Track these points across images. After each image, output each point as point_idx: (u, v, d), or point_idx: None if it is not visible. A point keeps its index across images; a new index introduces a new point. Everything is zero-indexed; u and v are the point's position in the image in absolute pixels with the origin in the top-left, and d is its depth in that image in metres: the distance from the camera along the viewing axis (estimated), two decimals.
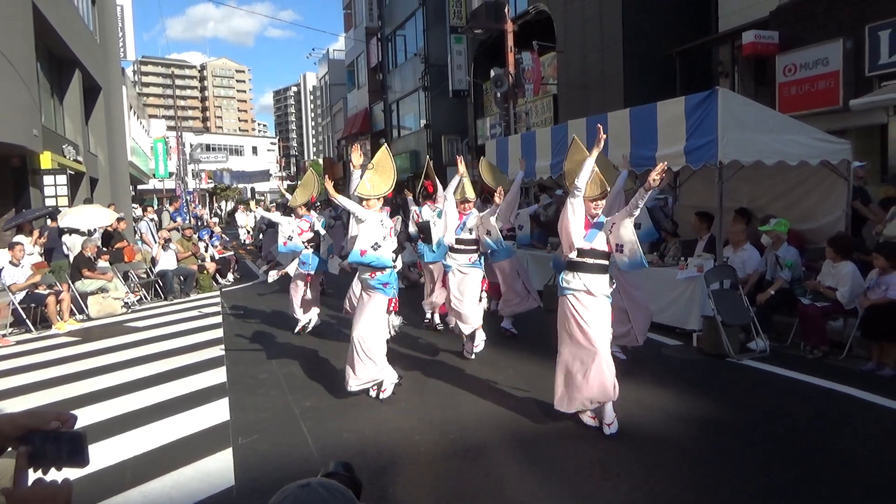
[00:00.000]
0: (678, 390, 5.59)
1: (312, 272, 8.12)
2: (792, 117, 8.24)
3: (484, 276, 6.97)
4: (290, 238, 8.03)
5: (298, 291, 8.20)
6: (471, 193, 6.95)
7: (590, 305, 4.59)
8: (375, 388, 5.55)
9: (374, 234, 5.33)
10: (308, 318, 8.35)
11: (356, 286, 7.34)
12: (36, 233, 11.27)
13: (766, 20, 11.73)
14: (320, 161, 55.04)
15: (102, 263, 11.20)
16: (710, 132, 6.65)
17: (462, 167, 6.74)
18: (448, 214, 6.69)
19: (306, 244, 8.07)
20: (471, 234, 6.80)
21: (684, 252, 8.22)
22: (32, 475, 1.20)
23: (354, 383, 5.37)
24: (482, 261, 7.02)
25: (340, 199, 5.43)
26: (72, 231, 12.19)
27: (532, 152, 9.82)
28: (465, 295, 6.72)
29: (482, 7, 21.75)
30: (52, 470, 1.24)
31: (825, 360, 6.27)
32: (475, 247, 6.88)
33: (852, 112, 9.69)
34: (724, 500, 3.66)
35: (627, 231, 4.60)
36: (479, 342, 6.76)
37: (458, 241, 6.81)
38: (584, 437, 4.60)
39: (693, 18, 14.59)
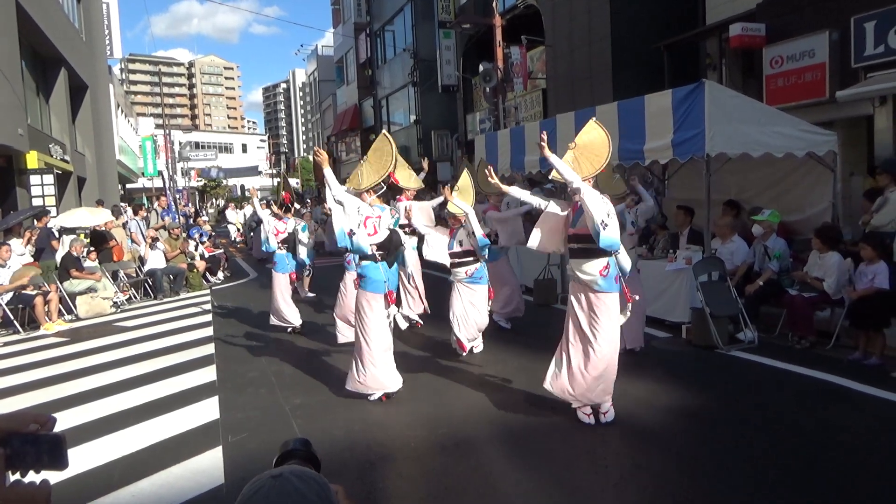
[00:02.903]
0: (667, 382, 5.62)
1: (285, 272, 8.20)
2: (779, 109, 8.27)
3: (489, 287, 6.66)
4: (266, 239, 8.26)
5: (281, 294, 8.24)
6: (457, 210, 6.57)
7: (582, 293, 4.63)
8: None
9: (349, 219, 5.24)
10: (293, 318, 8.32)
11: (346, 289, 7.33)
12: (27, 234, 11.18)
13: (753, 12, 11.74)
14: (310, 158, 54.82)
15: (90, 263, 11.13)
16: (698, 125, 6.68)
17: (447, 193, 6.55)
18: (432, 236, 6.64)
19: (280, 245, 8.20)
20: (461, 246, 6.58)
21: (673, 245, 8.26)
22: (11, 477, 1.19)
23: (351, 386, 5.44)
24: (485, 269, 6.63)
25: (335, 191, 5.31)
26: (66, 231, 12.12)
27: (521, 147, 9.83)
28: (470, 313, 6.51)
29: (470, 2, 21.70)
30: (31, 472, 1.23)
31: (813, 350, 6.32)
32: (472, 257, 6.53)
33: (839, 103, 9.73)
34: (713, 490, 3.68)
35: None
36: (479, 344, 6.83)
37: (453, 255, 6.57)
38: (574, 430, 4.61)
39: (681, 11, 14.60)
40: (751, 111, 7.18)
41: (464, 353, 6.67)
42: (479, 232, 6.33)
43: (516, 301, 7.78)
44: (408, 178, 7.66)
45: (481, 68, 17.25)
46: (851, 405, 4.98)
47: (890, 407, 4.82)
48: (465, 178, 7.04)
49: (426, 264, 7.59)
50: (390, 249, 5.36)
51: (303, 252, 8.32)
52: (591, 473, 3.94)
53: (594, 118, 5.03)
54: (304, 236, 8.36)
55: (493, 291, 6.76)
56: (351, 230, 5.22)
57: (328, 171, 5.34)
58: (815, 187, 7.99)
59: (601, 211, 4.43)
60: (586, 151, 4.77)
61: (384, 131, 5.95)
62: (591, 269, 4.57)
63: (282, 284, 8.23)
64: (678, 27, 14.03)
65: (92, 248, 11.54)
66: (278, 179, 47.33)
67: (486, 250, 6.52)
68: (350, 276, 7.11)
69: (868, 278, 6.01)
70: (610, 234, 4.43)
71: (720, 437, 4.39)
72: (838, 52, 10.21)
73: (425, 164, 7.21)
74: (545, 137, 4.62)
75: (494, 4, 16.76)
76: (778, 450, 4.14)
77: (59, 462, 1.23)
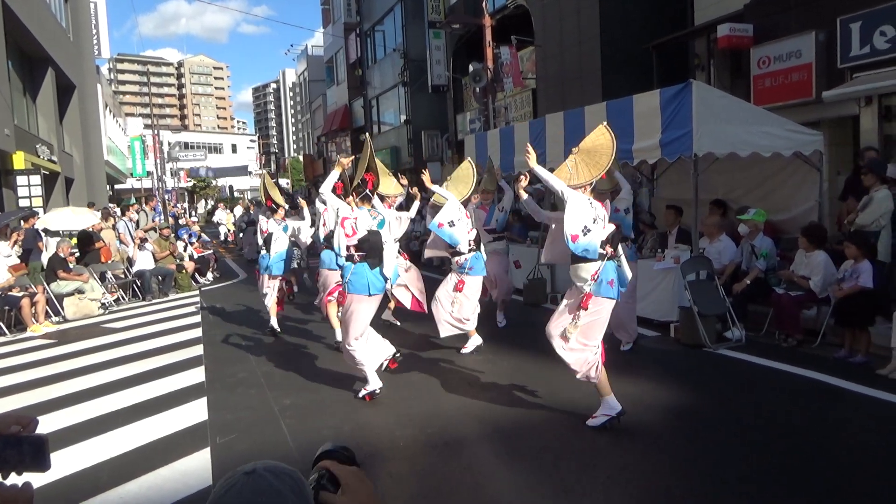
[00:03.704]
0: (656, 380, 5.65)
1: (268, 274, 8.15)
2: (766, 109, 8.33)
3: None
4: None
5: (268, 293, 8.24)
6: (439, 199, 6.81)
7: (575, 293, 4.65)
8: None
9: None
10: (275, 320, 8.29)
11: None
12: (14, 235, 11.08)
13: (741, 13, 11.82)
14: (300, 158, 54.68)
15: (71, 265, 11.01)
16: (685, 125, 6.71)
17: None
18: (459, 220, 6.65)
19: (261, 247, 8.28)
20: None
21: (662, 244, 8.30)
22: None
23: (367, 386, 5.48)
24: (478, 261, 6.72)
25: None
26: (50, 233, 12.00)
27: (510, 147, 9.85)
28: (457, 297, 6.61)
29: (460, 2, 21.71)
30: (13, 474, 1.22)
31: (799, 349, 6.37)
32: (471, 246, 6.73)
33: (825, 103, 9.81)
34: (701, 488, 3.70)
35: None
36: (469, 346, 6.86)
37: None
38: (563, 428, 4.63)
39: (670, 12, 14.67)
40: (738, 111, 7.23)
41: (440, 336, 6.72)
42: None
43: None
44: (389, 185, 7.62)
45: (471, 68, 17.26)
46: (843, 403, 5.02)
47: (882, 406, 4.85)
48: (463, 170, 7.14)
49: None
50: (368, 250, 5.36)
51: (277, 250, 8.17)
52: (581, 472, 3.95)
53: (605, 122, 4.90)
54: (283, 237, 8.22)
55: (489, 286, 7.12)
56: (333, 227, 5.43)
57: (334, 173, 5.62)
58: (801, 187, 8.06)
59: (585, 217, 4.41)
60: (587, 157, 4.72)
61: (367, 136, 6.18)
62: (584, 273, 4.55)
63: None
64: (667, 28, 14.10)
65: (73, 252, 11.41)
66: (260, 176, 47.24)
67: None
68: (327, 274, 7.29)
69: (854, 277, 6.05)
70: (588, 239, 4.43)
71: (710, 436, 4.42)
72: (825, 53, 10.30)
73: (404, 181, 7.46)
74: (530, 150, 4.74)
75: (484, 4, 16.78)
76: (763, 447, 4.17)
77: (42, 464, 1.22)
